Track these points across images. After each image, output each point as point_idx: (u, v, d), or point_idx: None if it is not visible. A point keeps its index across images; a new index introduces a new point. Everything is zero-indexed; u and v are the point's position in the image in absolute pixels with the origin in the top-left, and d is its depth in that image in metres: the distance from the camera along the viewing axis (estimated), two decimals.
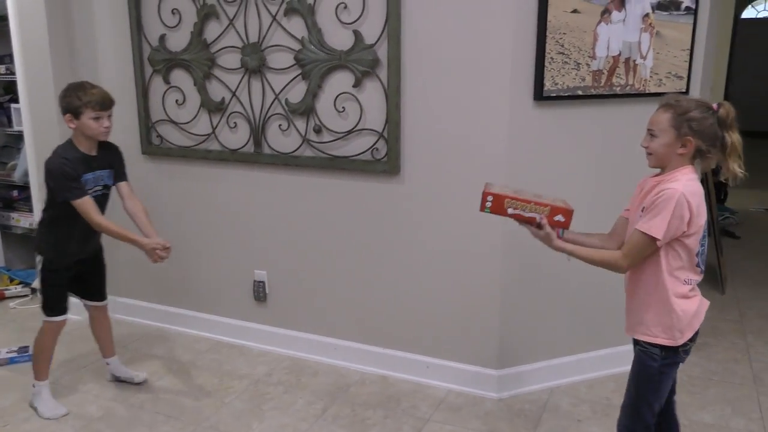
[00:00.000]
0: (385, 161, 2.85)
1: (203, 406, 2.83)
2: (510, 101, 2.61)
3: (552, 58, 2.59)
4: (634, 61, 2.73)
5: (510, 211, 2.08)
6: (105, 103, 2.59)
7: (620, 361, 3.06)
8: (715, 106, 1.82)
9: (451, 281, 2.88)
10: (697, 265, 1.89)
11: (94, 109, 2.55)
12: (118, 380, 3.03)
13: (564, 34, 2.59)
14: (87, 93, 2.56)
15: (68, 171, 2.54)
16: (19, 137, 4.26)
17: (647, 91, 2.77)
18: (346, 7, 2.79)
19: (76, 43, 3.51)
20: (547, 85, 2.61)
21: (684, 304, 1.87)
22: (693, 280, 1.89)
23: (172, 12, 3.18)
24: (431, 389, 2.96)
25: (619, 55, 2.70)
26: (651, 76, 2.77)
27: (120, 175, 2.81)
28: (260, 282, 3.31)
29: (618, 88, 2.73)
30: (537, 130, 2.69)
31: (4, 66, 4.21)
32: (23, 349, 3.30)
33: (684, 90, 2.83)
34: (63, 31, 3.48)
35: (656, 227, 1.78)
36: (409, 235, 2.92)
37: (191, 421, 2.71)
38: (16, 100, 4.09)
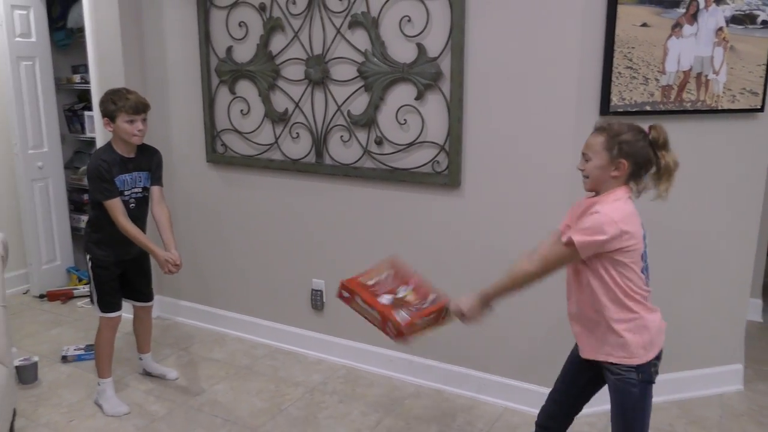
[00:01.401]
0: (445, 174, 2.84)
1: (260, 411, 2.87)
2: (576, 116, 2.57)
3: (620, 73, 2.53)
4: (706, 76, 2.64)
5: (356, 308, 2.17)
6: (138, 108, 2.71)
7: (686, 386, 2.96)
8: (647, 129, 1.85)
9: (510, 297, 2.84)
10: (646, 283, 1.91)
11: (127, 113, 2.68)
12: (148, 375, 3.17)
13: (632, 48, 2.53)
14: (122, 98, 2.69)
15: (102, 172, 2.68)
16: (90, 143, 4.44)
17: (720, 108, 2.68)
18: (409, 20, 2.80)
19: (146, 54, 3.64)
20: (614, 99, 2.55)
21: (648, 318, 1.88)
22: (647, 296, 1.90)
23: (239, 25, 3.26)
24: (487, 406, 2.92)
25: (690, 69, 2.62)
26: (724, 92, 2.67)
27: (155, 178, 2.92)
28: (318, 291, 3.34)
29: (689, 104, 2.65)
30: None
31: (79, 75, 4.40)
32: (90, 347, 3.42)
33: (759, 107, 2.72)
34: (135, 43, 3.62)
35: (576, 237, 1.80)
36: (468, 249, 2.90)
37: (247, 426, 2.75)
38: (89, 108, 4.27)
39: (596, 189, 1.91)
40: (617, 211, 1.81)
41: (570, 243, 1.82)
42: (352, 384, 3.12)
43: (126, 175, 2.78)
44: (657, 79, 2.59)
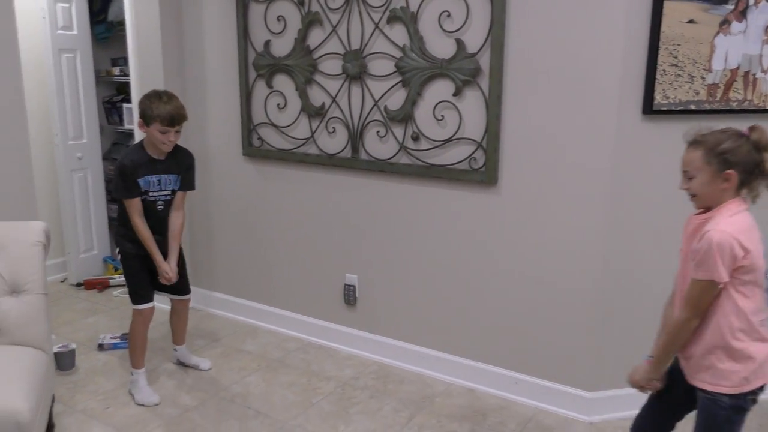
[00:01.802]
0: (482, 171, 2.82)
1: (291, 404, 2.89)
2: (617, 114, 2.52)
3: (664, 71, 2.48)
4: (755, 75, 2.57)
5: None
6: (174, 120, 2.71)
7: None
8: (746, 131, 1.71)
9: (545, 296, 2.81)
10: (763, 308, 1.75)
11: (162, 123, 2.69)
12: (182, 365, 3.21)
13: (678, 45, 2.47)
14: (159, 106, 2.69)
15: (125, 172, 2.74)
16: (129, 135, 4.51)
17: None
18: (449, 15, 2.78)
19: (185, 47, 3.68)
20: (658, 98, 2.50)
21: (754, 347, 1.74)
22: (763, 320, 1.75)
23: (278, 19, 3.27)
24: (519, 406, 2.89)
25: (738, 68, 2.55)
26: None
27: (183, 182, 2.94)
28: (351, 286, 3.34)
29: (735, 104, 2.59)
30: (644, 145, 2.58)
31: (118, 68, 4.46)
32: (125, 336, 3.46)
33: None
34: (174, 36, 3.65)
35: (709, 270, 1.67)
36: (504, 247, 2.87)
37: (280, 418, 2.76)
38: (127, 100, 4.33)
39: (708, 206, 1.77)
40: (734, 225, 1.68)
41: (700, 279, 1.71)
42: (384, 380, 3.12)
43: (153, 177, 2.82)
44: (703, 78, 2.53)
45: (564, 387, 2.82)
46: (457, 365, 3.08)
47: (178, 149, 2.88)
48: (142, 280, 2.93)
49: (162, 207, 2.89)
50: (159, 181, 2.84)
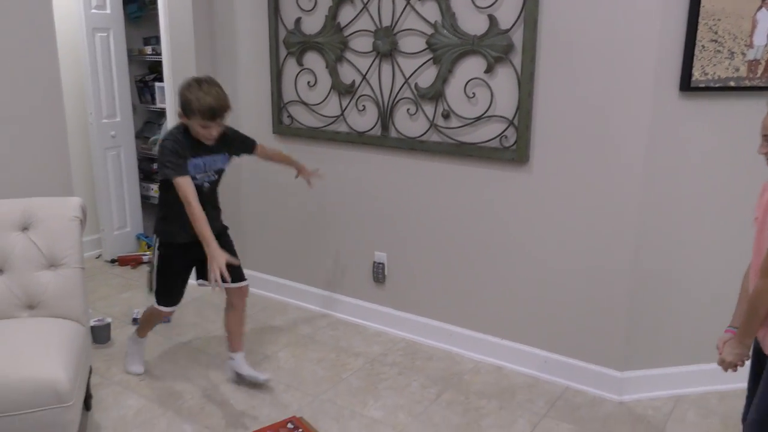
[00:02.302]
0: (513, 149, 2.79)
1: (321, 379, 2.92)
2: (653, 91, 2.47)
3: (703, 46, 2.42)
4: None
5: None
6: (215, 114, 2.48)
7: None
8: None
9: (577, 275, 2.79)
10: None
11: (203, 118, 2.47)
12: (240, 381, 2.85)
13: (718, 20, 2.41)
14: (200, 98, 2.44)
15: (176, 148, 2.50)
16: (161, 114, 4.56)
17: None
18: None
19: (217, 25, 3.69)
20: (696, 75, 2.44)
21: None
22: None
23: None
24: (548, 385, 2.89)
25: None
26: None
27: (244, 146, 2.83)
28: (380, 264, 3.35)
29: None
30: (681, 123, 2.53)
31: (150, 47, 4.50)
32: None
33: None
34: (206, 15, 3.66)
35: None
36: (535, 225, 2.85)
37: (309, 393, 2.80)
38: (160, 79, 4.38)
39: None
40: None
41: None
42: (412, 357, 3.14)
43: (198, 159, 2.59)
44: (743, 54, 2.46)
45: (594, 366, 2.81)
46: (485, 343, 3.09)
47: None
48: (172, 285, 2.74)
49: (208, 188, 2.68)
50: (204, 163, 2.62)
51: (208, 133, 2.53)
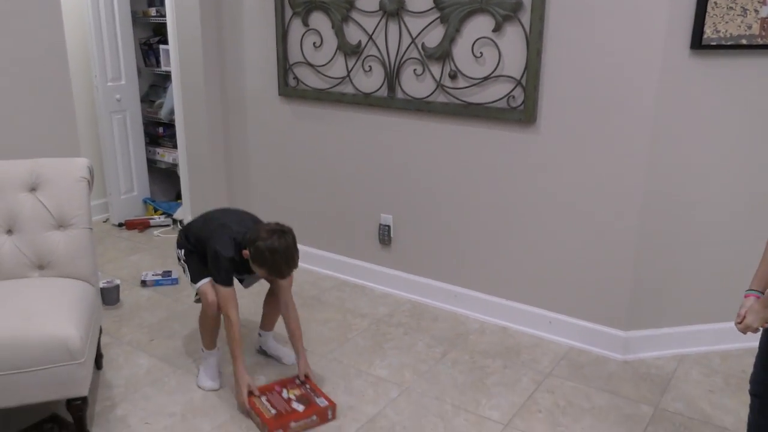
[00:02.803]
0: (521, 110, 2.77)
1: (327, 339, 2.96)
2: (664, 49, 2.44)
3: (716, 3, 2.37)
4: None
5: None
6: (283, 277, 2.41)
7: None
8: None
9: (582, 236, 2.79)
10: None
11: (270, 275, 2.40)
12: (265, 354, 2.84)
13: None
14: (276, 264, 2.33)
15: (230, 267, 2.43)
16: (166, 77, 4.53)
17: None
18: None
19: None
20: (708, 32, 2.41)
21: None
22: None
23: None
24: (553, 344, 2.92)
25: None
26: None
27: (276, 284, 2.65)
28: (386, 226, 3.36)
29: None
30: (692, 82, 2.50)
31: (154, 8, 4.45)
32: (167, 273, 3.57)
33: None
34: None
35: None
36: (542, 186, 2.84)
37: (316, 352, 2.84)
38: (164, 42, 4.34)
39: None
40: None
41: None
42: (417, 318, 3.17)
43: (242, 275, 2.62)
44: (756, 11, 2.41)
45: (599, 326, 2.83)
46: (491, 304, 3.11)
47: None
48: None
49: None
50: (242, 279, 2.66)
51: (263, 277, 2.52)
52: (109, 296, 3.28)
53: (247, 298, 3.23)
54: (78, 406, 2.17)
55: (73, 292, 2.33)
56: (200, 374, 2.63)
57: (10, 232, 2.45)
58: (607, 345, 2.83)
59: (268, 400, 2.42)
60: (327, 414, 2.38)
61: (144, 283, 3.51)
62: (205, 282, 2.50)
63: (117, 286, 3.31)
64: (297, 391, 2.47)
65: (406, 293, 3.38)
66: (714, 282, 2.79)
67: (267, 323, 2.81)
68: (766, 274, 1.88)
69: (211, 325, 2.55)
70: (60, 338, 2.05)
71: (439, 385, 2.60)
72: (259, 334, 2.86)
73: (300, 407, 2.38)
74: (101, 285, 3.20)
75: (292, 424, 2.31)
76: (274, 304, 2.72)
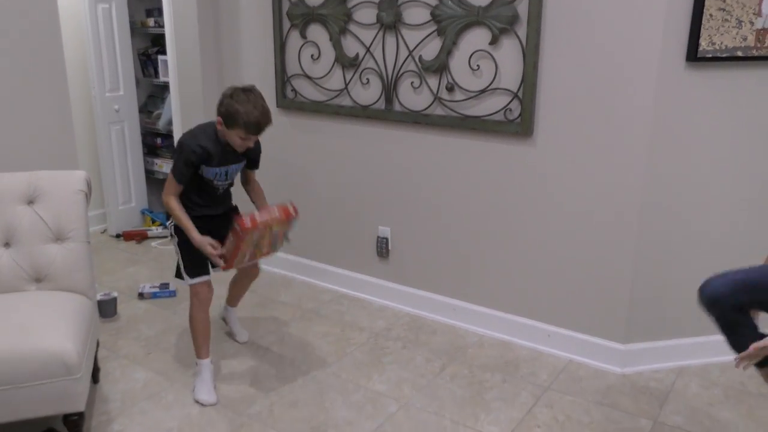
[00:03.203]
0: (518, 122, 2.78)
1: (326, 354, 2.94)
2: (659, 62, 2.44)
3: (711, 15, 2.38)
4: None
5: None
6: (259, 129, 2.47)
7: None
8: None
9: (580, 249, 2.79)
10: None
11: (247, 132, 2.45)
12: (224, 322, 3.13)
13: None
14: (249, 114, 2.40)
15: (191, 158, 2.49)
16: (164, 88, 4.54)
17: None
18: None
19: None
20: (703, 44, 2.41)
21: None
22: None
23: None
24: (551, 358, 2.91)
25: None
26: None
27: (252, 163, 2.76)
28: (383, 238, 3.36)
29: None
30: (688, 94, 2.51)
31: (152, 19, 4.46)
32: (164, 285, 3.56)
33: None
34: None
35: None
36: (539, 199, 2.84)
37: (315, 367, 2.82)
38: (162, 52, 4.35)
39: None
40: None
41: None
42: (416, 331, 3.16)
43: (222, 168, 2.59)
44: (752, 22, 2.42)
45: (597, 339, 2.82)
46: (489, 317, 3.10)
47: None
48: (198, 253, 2.55)
49: (222, 192, 2.69)
50: (226, 172, 2.62)
51: (245, 144, 2.52)
52: (107, 309, 3.26)
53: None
54: (75, 422, 2.16)
55: (70, 305, 2.32)
56: (196, 388, 2.61)
57: (7, 245, 2.44)
58: (605, 358, 2.82)
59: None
60: (288, 208, 2.47)
61: (141, 296, 3.50)
62: (201, 280, 2.60)
63: (114, 299, 3.30)
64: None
65: (404, 306, 3.37)
66: None
67: (232, 299, 3.06)
68: None
69: (204, 325, 2.63)
70: (57, 353, 2.04)
71: (438, 400, 2.59)
72: (226, 309, 3.09)
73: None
74: (98, 298, 3.19)
75: (258, 218, 2.38)
76: (238, 286, 2.98)
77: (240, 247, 2.42)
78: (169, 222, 2.67)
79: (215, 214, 2.71)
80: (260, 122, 2.44)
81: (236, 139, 2.48)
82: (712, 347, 2.83)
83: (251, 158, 2.74)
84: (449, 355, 2.94)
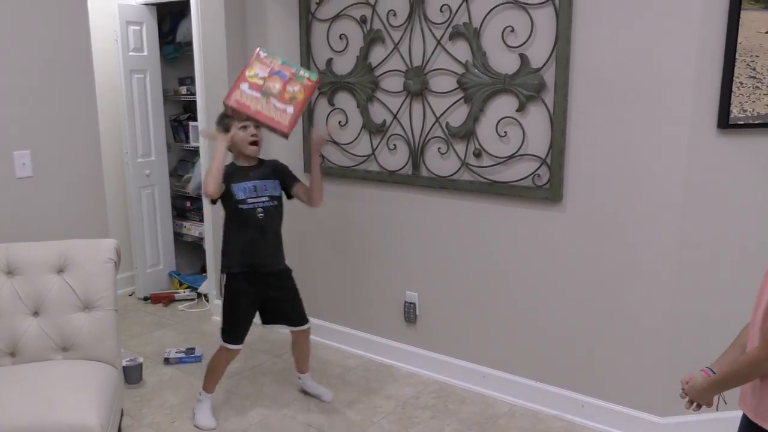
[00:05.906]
0: (546, 188, 2.76)
1: (352, 423, 2.87)
2: (690, 129, 2.42)
3: (741, 83, 2.37)
4: None
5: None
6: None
7: None
8: None
9: (614, 316, 2.72)
10: None
11: (239, 120, 2.68)
12: (306, 394, 3.12)
13: (756, 56, 2.36)
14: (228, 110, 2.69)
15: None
16: (194, 152, 4.63)
17: None
18: (513, 30, 2.74)
19: None
20: (734, 111, 2.39)
21: None
22: None
23: (340, 37, 3.29)
24: (585, 430, 2.79)
25: None
26: None
27: (291, 179, 2.91)
28: (411, 303, 3.31)
29: None
30: (720, 161, 2.47)
31: (185, 87, 4.59)
32: (190, 351, 3.54)
33: None
34: (239, 57, 3.72)
35: None
36: (569, 265, 2.79)
37: None
38: (194, 119, 4.45)
39: None
40: None
41: None
42: (445, 399, 3.07)
43: (248, 183, 2.75)
44: None
45: (633, 411, 2.71)
46: (520, 386, 3.01)
47: (263, 161, 2.87)
48: (238, 321, 2.83)
49: (263, 215, 2.74)
50: (255, 187, 2.75)
51: (248, 133, 2.73)
52: (132, 375, 3.24)
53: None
54: None
55: (96, 375, 2.30)
56: (197, 415, 2.86)
57: (36, 314, 2.45)
58: (643, 431, 2.70)
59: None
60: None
61: (167, 361, 3.48)
62: (235, 348, 2.83)
63: (140, 365, 3.28)
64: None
65: (432, 373, 3.29)
66: None
67: (300, 367, 3.11)
68: (728, 361, 1.76)
69: (221, 369, 2.90)
70: (80, 426, 2.02)
71: None
72: (299, 377, 3.14)
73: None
74: (124, 363, 3.17)
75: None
76: (297, 349, 3.06)
77: (238, 85, 2.60)
78: (221, 277, 2.84)
79: (262, 272, 2.80)
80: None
81: (240, 133, 2.72)
82: None
83: (281, 175, 2.87)
84: (479, 425, 2.84)
